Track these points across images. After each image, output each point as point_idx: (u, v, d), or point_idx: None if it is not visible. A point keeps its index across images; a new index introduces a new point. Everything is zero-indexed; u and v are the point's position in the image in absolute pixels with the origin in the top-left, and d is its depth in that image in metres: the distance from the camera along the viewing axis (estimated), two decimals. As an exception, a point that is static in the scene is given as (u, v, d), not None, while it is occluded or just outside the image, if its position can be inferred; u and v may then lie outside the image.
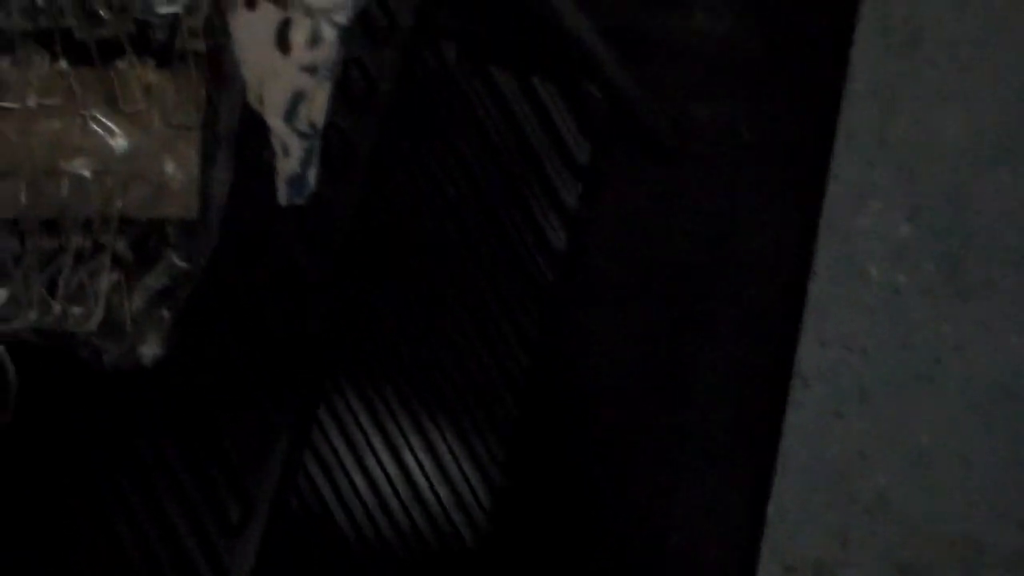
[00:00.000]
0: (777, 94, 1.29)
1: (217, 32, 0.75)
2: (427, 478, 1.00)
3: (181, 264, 0.71)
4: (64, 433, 0.75)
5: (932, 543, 1.17)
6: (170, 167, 0.74)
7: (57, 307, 0.70)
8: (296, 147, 0.77)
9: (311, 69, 0.78)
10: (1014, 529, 1.16)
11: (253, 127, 0.72)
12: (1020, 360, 1.21)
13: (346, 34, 0.77)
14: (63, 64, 0.75)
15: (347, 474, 0.99)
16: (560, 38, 1.08)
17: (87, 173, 0.73)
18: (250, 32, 0.78)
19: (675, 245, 1.25)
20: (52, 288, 0.70)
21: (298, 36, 0.79)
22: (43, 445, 0.74)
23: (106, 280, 0.71)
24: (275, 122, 0.77)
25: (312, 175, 0.76)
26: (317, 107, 0.78)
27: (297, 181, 0.77)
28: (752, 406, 1.22)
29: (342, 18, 0.78)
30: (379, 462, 1.01)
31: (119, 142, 0.74)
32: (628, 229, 1.22)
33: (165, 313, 0.72)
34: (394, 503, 0.97)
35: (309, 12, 0.78)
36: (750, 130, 1.26)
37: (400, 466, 1.00)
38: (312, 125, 0.77)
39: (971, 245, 1.24)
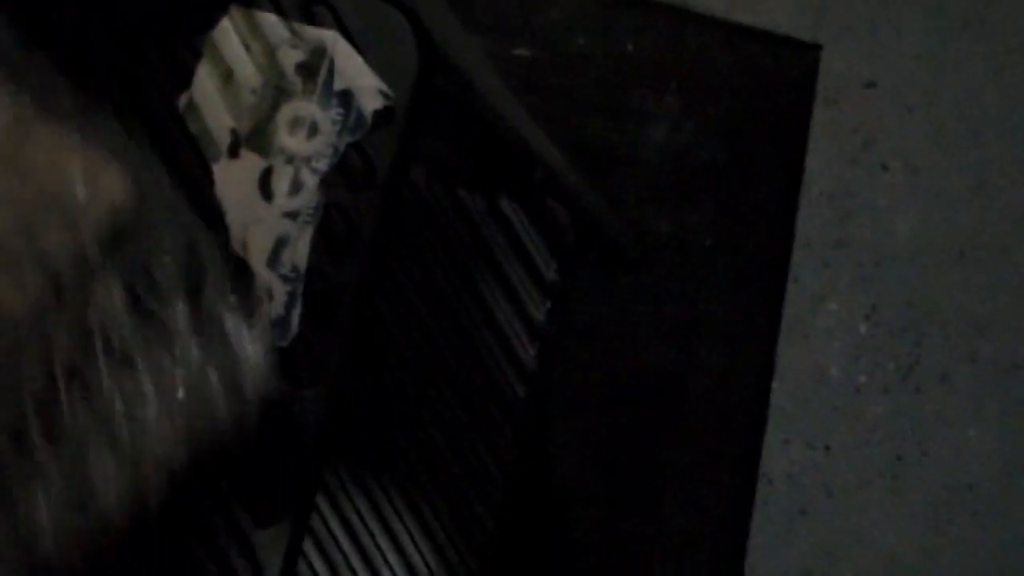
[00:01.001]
0: (736, 201, 1.33)
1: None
2: (416, 547, 1.04)
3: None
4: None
5: (899, 638, 1.21)
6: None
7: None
8: (280, 291, 0.81)
9: (293, 215, 0.83)
10: (977, 623, 1.20)
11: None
12: (977, 453, 1.25)
13: (326, 180, 0.82)
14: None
15: (338, 544, 1.03)
16: (526, 160, 1.13)
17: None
18: (234, 181, 0.82)
19: (640, 352, 1.29)
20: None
21: (280, 183, 0.84)
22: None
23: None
24: (259, 268, 0.81)
25: (295, 317, 0.80)
26: (299, 252, 0.82)
27: (280, 323, 0.81)
28: (719, 507, 1.26)
29: (322, 165, 0.83)
30: (370, 533, 1.04)
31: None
32: (595, 339, 1.26)
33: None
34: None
35: (290, 160, 0.83)
36: (711, 236, 1.30)
37: (391, 538, 1.03)
38: (295, 269, 0.82)
39: (926, 343, 1.28)
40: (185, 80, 0.81)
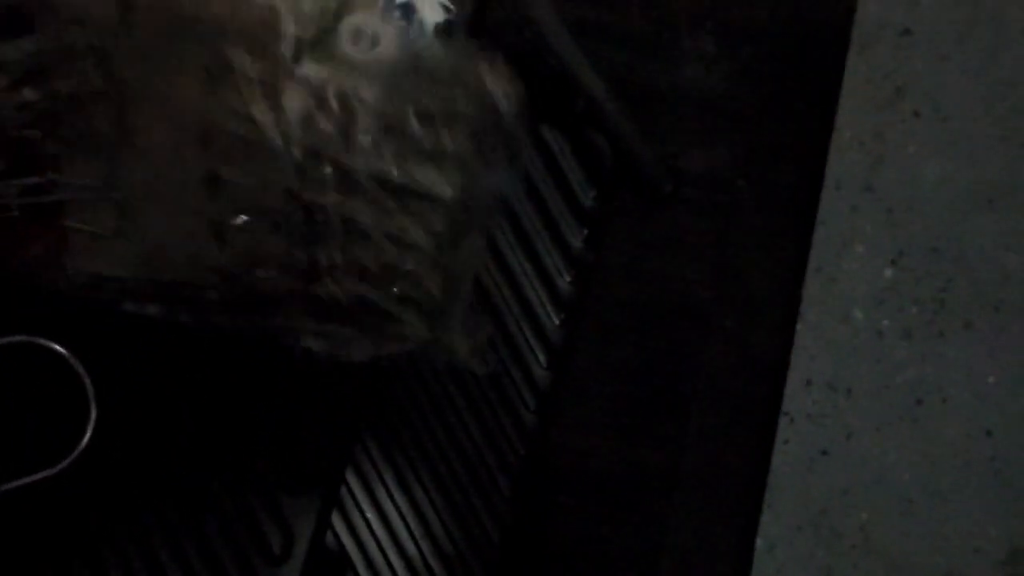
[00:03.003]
0: (768, 143, 1.34)
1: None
2: (437, 512, 1.05)
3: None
4: (116, 461, 0.80)
5: (913, 578, 1.22)
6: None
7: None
8: None
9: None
10: (991, 566, 1.21)
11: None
12: (997, 400, 1.26)
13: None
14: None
15: (361, 510, 1.04)
16: (569, 88, 1.13)
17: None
18: (297, 91, 0.82)
19: (670, 287, 1.30)
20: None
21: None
22: (90, 476, 0.79)
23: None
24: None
25: None
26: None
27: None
28: (741, 444, 1.27)
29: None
30: (390, 495, 1.06)
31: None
32: (627, 272, 1.27)
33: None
34: (408, 543, 1.02)
35: (351, 71, 0.83)
36: (742, 176, 1.31)
37: (411, 503, 1.05)
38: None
39: (951, 289, 1.29)
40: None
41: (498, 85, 0.80)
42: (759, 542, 1.25)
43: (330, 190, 0.78)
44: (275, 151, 0.77)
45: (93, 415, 0.78)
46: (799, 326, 1.30)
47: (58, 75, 0.79)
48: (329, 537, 0.94)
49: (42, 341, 0.80)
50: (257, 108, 0.78)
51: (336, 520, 0.98)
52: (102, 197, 0.78)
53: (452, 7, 0.84)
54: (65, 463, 0.79)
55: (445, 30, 0.85)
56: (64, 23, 0.78)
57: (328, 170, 0.79)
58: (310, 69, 0.83)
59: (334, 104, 0.79)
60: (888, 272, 1.30)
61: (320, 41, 0.84)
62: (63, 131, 0.79)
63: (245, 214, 0.77)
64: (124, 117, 0.78)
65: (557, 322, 1.12)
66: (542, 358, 1.10)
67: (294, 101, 0.79)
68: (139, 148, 0.78)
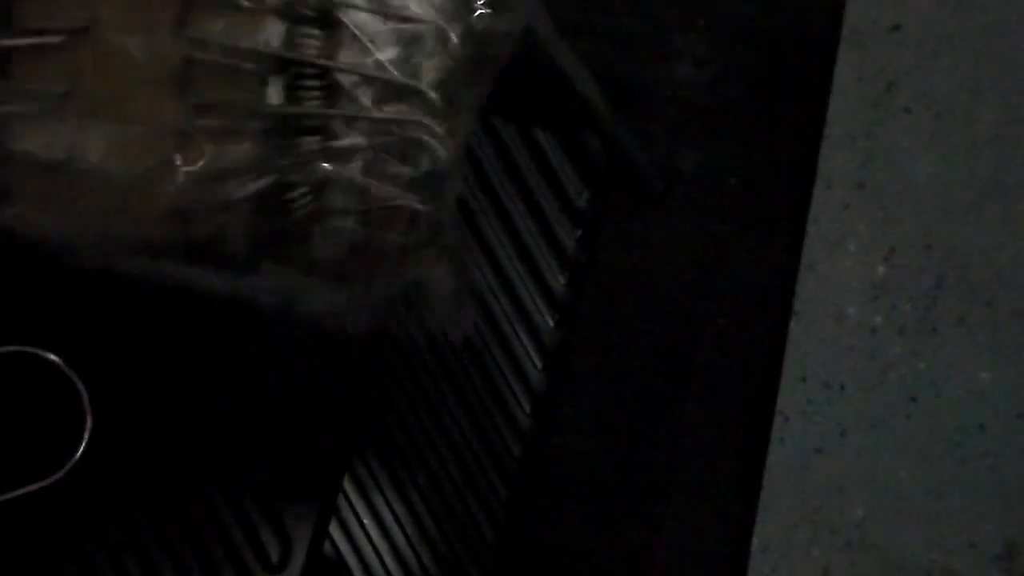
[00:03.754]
0: (759, 141, 1.34)
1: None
2: (433, 517, 1.05)
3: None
4: (111, 470, 0.80)
5: (909, 575, 1.22)
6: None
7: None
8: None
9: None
10: (986, 561, 1.21)
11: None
12: (991, 396, 1.26)
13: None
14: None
15: (358, 517, 1.04)
16: (560, 88, 1.13)
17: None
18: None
19: (663, 286, 1.30)
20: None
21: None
22: (86, 486, 0.79)
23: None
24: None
25: None
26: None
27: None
28: (735, 443, 1.27)
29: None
30: (386, 500, 1.05)
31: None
32: (620, 272, 1.27)
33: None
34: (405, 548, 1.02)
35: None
36: (734, 175, 1.31)
37: (407, 507, 1.05)
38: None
39: (944, 285, 1.29)
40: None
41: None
42: (754, 541, 1.25)
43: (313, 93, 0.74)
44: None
45: (89, 424, 0.78)
46: (792, 324, 1.30)
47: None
48: (326, 544, 0.94)
49: (37, 351, 0.80)
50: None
51: (333, 526, 0.98)
52: (57, 110, 0.71)
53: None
54: (61, 473, 0.78)
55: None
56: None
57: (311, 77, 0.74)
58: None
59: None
60: (881, 269, 1.30)
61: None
62: (18, 25, 0.70)
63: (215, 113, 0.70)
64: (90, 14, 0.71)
65: (552, 324, 1.12)
66: (537, 360, 1.10)
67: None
68: (104, 47, 0.70)
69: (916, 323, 1.29)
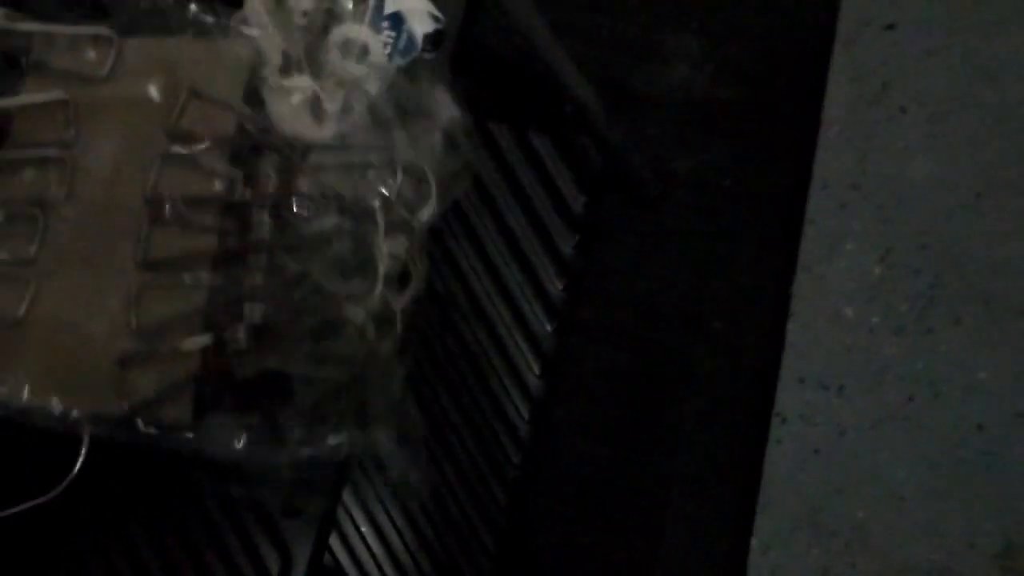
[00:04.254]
0: (754, 143, 1.34)
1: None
2: (432, 525, 1.05)
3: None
4: (109, 487, 0.79)
5: (908, 574, 1.22)
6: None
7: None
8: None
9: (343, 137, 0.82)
10: (986, 561, 1.21)
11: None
12: (989, 395, 1.26)
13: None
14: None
15: (357, 527, 1.04)
16: (557, 94, 1.13)
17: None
18: (285, 103, 0.82)
19: (660, 290, 1.30)
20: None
21: (330, 106, 0.84)
22: (88, 499, 0.78)
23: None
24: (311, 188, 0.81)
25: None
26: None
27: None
28: (733, 445, 1.27)
29: (372, 88, 0.83)
30: (385, 510, 1.05)
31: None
32: (616, 276, 1.26)
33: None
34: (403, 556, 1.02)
35: (341, 83, 0.83)
36: (729, 177, 1.31)
37: (406, 515, 1.04)
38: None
39: (941, 284, 1.29)
40: (238, 0, 0.81)
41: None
42: (754, 543, 1.25)
43: (265, 233, 0.76)
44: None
45: (86, 440, 0.77)
46: (790, 325, 1.30)
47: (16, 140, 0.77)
48: (325, 555, 0.94)
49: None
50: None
51: (332, 537, 0.98)
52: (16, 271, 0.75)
53: (440, 17, 0.84)
54: (58, 490, 0.78)
55: (434, 39, 0.84)
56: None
57: (266, 218, 0.77)
58: (300, 82, 0.82)
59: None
60: (877, 269, 1.30)
61: (309, 54, 0.83)
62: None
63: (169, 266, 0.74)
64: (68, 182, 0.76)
65: (549, 329, 1.12)
66: (535, 366, 1.10)
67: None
68: (72, 216, 0.76)
69: (913, 323, 1.29)
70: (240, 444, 0.71)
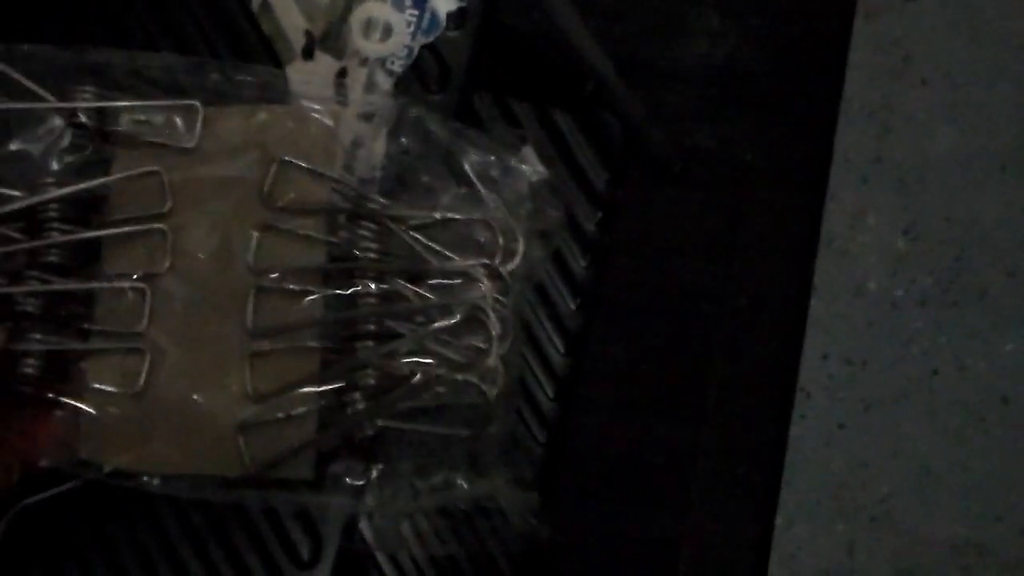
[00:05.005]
0: (775, 116, 1.33)
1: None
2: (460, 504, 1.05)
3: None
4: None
5: (935, 549, 1.22)
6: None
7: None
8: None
9: (367, 116, 0.82)
10: (1013, 534, 1.21)
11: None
12: (1015, 368, 1.26)
13: (400, 82, 0.82)
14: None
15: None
16: (579, 70, 1.12)
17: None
18: (308, 82, 0.82)
19: (682, 266, 1.29)
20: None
21: (354, 85, 0.83)
22: (114, 485, 0.79)
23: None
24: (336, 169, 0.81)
25: None
26: (375, 153, 0.82)
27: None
28: (758, 421, 1.27)
29: (396, 66, 0.83)
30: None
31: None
32: (638, 252, 1.26)
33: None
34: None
35: (364, 61, 0.83)
36: (751, 151, 1.30)
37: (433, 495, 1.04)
38: (372, 170, 0.82)
39: (965, 257, 1.28)
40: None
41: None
42: (779, 519, 1.25)
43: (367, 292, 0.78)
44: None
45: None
46: (813, 300, 1.29)
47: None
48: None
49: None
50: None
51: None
52: (128, 347, 0.75)
53: (464, -7, 0.83)
54: (90, 474, 0.78)
55: (457, 17, 0.83)
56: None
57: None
58: (322, 61, 0.81)
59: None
60: (901, 243, 1.29)
61: (331, 33, 0.82)
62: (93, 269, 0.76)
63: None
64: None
65: (573, 307, 1.11)
66: (559, 344, 1.09)
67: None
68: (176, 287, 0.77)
69: (938, 296, 1.29)
70: (363, 499, 0.72)
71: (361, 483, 0.75)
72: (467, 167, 0.79)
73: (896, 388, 1.24)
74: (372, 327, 0.76)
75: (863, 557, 1.21)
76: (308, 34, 0.81)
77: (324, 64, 0.81)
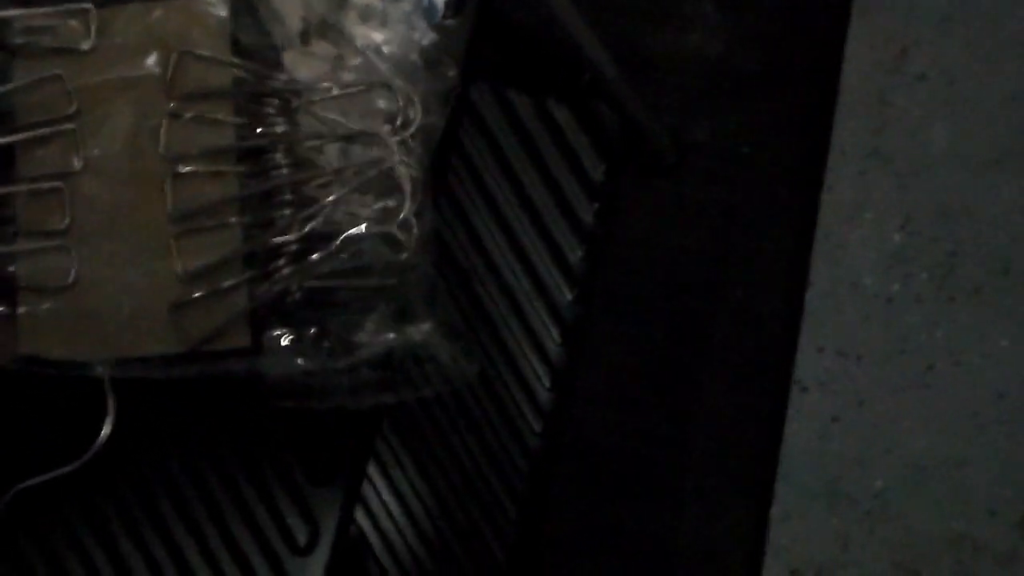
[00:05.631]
0: (772, 109, 1.33)
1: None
2: (454, 493, 1.05)
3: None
4: (133, 457, 0.79)
5: (929, 543, 1.22)
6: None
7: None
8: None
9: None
10: (1007, 528, 1.21)
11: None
12: (1010, 363, 1.26)
13: (397, 67, 0.82)
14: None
15: (381, 498, 1.03)
16: (574, 60, 1.12)
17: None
18: (306, 69, 0.82)
19: (679, 258, 1.29)
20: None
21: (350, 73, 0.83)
22: (110, 470, 0.78)
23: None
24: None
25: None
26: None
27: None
28: (753, 414, 1.27)
29: (393, 53, 0.83)
30: (408, 480, 1.05)
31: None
32: (635, 244, 1.26)
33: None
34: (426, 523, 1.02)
35: (360, 50, 0.82)
36: (747, 144, 1.30)
37: (428, 484, 1.04)
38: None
39: (961, 253, 1.28)
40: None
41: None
42: (774, 511, 1.25)
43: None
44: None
45: (112, 407, 0.77)
46: (808, 294, 1.29)
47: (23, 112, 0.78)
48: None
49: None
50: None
51: (357, 507, 0.98)
52: (54, 244, 0.77)
53: (462, -18, 0.83)
54: (85, 458, 0.78)
55: (455, 6, 0.83)
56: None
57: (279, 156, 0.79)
58: (320, 48, 0.81)
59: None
60: (897, 237, 1.29)
61: (328, 20, 0.82)
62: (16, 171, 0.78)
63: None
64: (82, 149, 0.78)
65: (570, 297, 1.11)
66: (556, 334, 1.09)
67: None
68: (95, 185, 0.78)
69: (933, 291, 1.29)
70: (300, 360, 0.73)
71: (297, 345, 0.75)
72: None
73: (891, 382, 1.24)
74: (288, 196, 0.77)
75: (857, 550, 1.21)
76: (304, 20, 0.81)
77: (321, 51, 0.81)
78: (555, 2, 1.02)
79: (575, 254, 1.13)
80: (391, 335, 0.76)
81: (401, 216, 0.75)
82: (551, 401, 1.10)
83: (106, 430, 0.77)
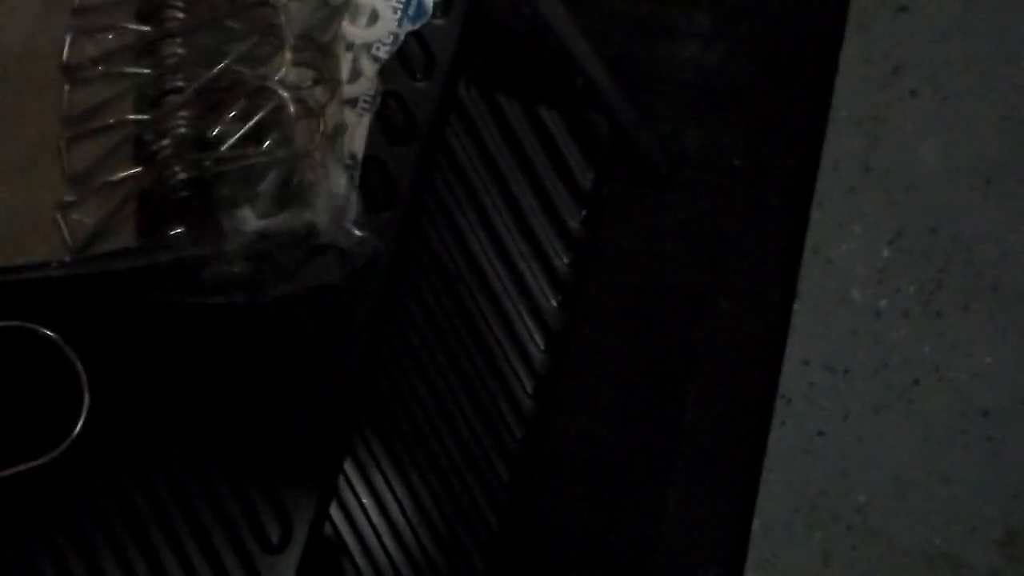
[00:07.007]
0: (765, 122, 1.33)
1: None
2: (434, 498, 1.04)
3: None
4: (106, 452, 0.79)
5: (911, 560, 1.22)
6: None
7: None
8: (338, 177, 0.80)
9: (351, 102, 0.82)
10: (990, 545, 1.21)
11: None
12: (995, 380, 1.26)
13: (385, 68, 0.81)
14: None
15: (358, 498, 1.03)
16: (566, 67, 1.12)
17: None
18: (294, 68, 0.81)
19: (667, 269, 1.29)
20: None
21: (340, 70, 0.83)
22: (83, 464, 0.78)
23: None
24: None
25: (353, 201, 0.80)
26: (357, 139, 0.82)
27: (339, 209, 0.80)
28: (737, 426, 1.27)
29: (382, 53, 0.83)
30: (387, 482, 1.05)
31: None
32: (623, 253, 1.26)
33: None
34: (405, 530, 1.02)
35: (350, 47, 0.82)
36: (739, 157, 1.30)
37: (408, 488, 1.04)
38: (352, 156, 0.81)
39: (949, 269, 1.28)
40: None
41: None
42: (756, 524, 1.25)
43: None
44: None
45: (86, 402, 0.77)
46: (796, 307, 1.29)
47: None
48: (326, 525, 0.93)
49: (34, 327, 0.79)
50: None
51: (333, 507, 0.97)
52: None
53: (450, -16, 0.83)
54: (58, 451, 0.78)
55: (444, 5, 0.83)
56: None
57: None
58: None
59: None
60: (886, 252, 1.29)
61: (317, 20, 0.82)
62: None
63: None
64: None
65: (555, 304, 1.11)
66: (540, 341, 1.09)
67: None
68: None
69: (921, 307, 1.29)
70: (190, 248, 0.71)
71: (187, 236, 0.74)
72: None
73: (877, 397, 1.24)
74: (180, 83, 0.76)
75: (839, 565, 1.20)
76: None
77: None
78: (549, 10, 1.02)
79: (561, 261, 1.13)
80: (285, 215, 0.74)
81: (281, 70, 0.73)
82: (533, 408, 1.09)
83: (80, 423, 0.76)
